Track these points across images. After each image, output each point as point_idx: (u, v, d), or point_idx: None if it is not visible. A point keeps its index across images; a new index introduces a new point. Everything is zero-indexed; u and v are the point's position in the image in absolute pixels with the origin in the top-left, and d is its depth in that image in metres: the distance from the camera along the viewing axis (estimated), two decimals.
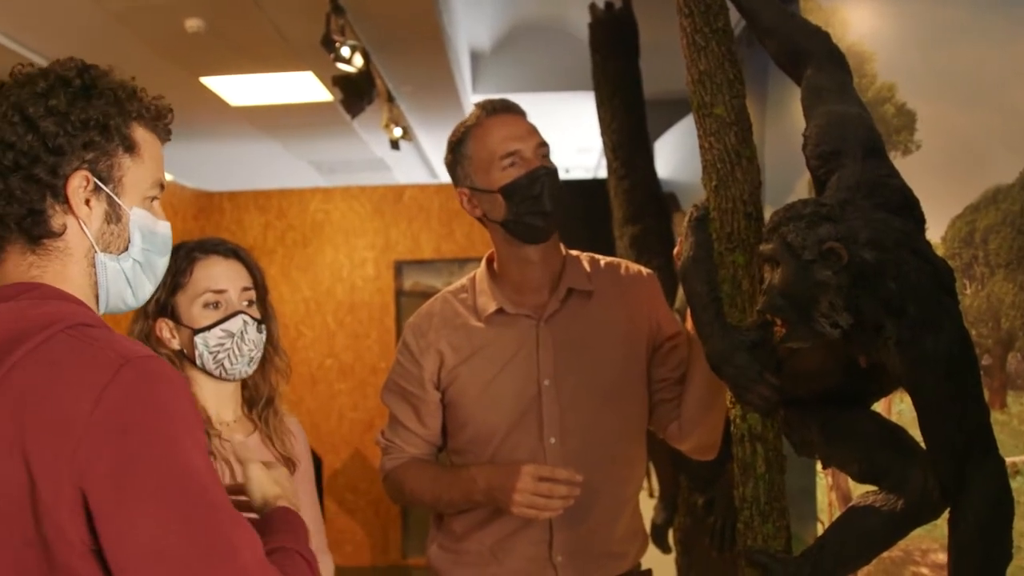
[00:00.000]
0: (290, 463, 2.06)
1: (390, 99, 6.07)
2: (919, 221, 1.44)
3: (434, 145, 8.00)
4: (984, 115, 1.90)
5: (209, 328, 1.95)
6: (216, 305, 1.97)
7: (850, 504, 1.53)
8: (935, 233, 1.94)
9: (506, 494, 1.98)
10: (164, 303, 1.96)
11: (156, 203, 1.41)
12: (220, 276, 1.99)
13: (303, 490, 2.05)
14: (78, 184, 1.30)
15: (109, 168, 1.33)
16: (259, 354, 2.02)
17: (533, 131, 2.12)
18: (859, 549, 1.51)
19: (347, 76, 4.93)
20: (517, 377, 2.12)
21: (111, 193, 1.33)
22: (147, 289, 1.42)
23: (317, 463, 5.71)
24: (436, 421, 2.21)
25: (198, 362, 1.97)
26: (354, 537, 6.61)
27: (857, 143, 1.47)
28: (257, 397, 2.09)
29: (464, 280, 2.25)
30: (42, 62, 1.37)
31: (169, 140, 1.45)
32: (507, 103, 2.16)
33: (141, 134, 1.37)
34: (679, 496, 3.88)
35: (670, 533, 4.02)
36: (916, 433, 1.43)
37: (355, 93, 5.06)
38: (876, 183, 1.43)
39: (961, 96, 1.95)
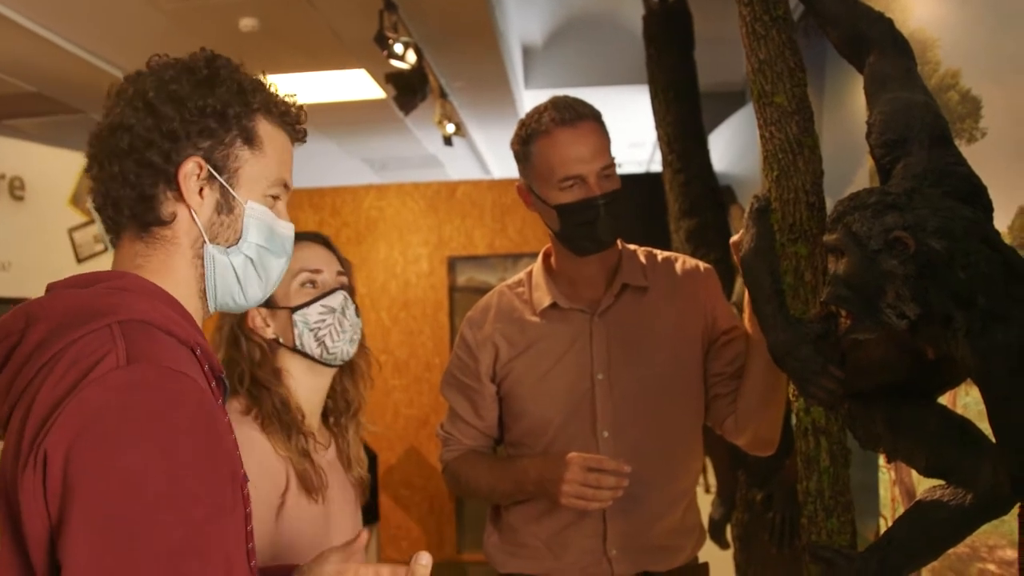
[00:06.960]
0: (360, 491, 2.00)
1: (443, 95, 6.09)
2: (987, 210, 1.41)
3: (487, 141, 8.01)
4: None
5: (308, 304, 1.90)
6: (313, 284, 1.92)
7: (917, 498, 1.50)
8: (1002, 222, 1.89)
9: (555, 485, 1.99)
10: None
11: (280, 203, 1.37)
12: (314, 257, 1.94)
13: (350, 511, 1.99)
14: (189, 171, 1.27)
15: (225, 158, 1.29)
16: (359, 336, 1.97)
17: (600, 151, 2.05)
18: (927, 544, 1.48)
19: (400, 73, 4.96)
20: (570, 371, 2.13)
21: (224, 183, 1.29)
22: (256, 289, 1.36)
23: (372, 459, 5.80)
24: (492, 414, 2.22)
25: (297, 343, 1.90)
26: (409, 533, 6.63)
27: (923, 130, 1.44)
28: (343, 406, 2.01)
29: (521, 274, 2.27)
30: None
31: (302, 142, 1.41)
32: (580, 111, 2.07)
33: (265, 128, 1.33)
34: (737, 491, 3.85)
35: (728, 529, 4.00)
36: (983, 426, 1.40)
37: (408, 90, 5.09)
38: (943, 171, 1.40)
39: None
